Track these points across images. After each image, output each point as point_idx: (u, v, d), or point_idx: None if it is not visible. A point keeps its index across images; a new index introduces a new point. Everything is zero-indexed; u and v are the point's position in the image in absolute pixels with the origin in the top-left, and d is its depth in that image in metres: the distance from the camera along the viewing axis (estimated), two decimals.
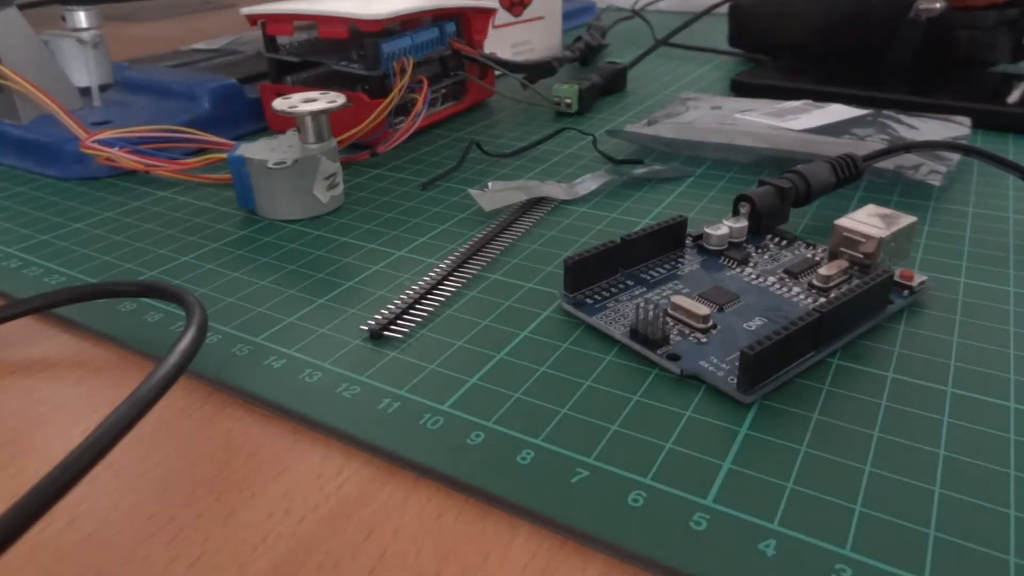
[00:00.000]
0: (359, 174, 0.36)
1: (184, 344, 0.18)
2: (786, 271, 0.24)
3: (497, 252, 0.27)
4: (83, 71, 0.42)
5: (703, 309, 0.21)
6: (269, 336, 0.23)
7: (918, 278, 0.23)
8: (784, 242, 0.26)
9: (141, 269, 0.27)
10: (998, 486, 0.16)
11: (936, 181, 0.31)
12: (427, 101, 0.38)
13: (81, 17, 0.41)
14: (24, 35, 0.38)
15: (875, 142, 0.33)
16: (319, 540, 0.16)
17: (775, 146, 0.34)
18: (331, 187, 0.31)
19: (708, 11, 0.61)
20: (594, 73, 0.47)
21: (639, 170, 0.34)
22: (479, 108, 0.46)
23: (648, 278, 0.24)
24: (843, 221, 0.24)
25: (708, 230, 0.26)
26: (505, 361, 0.21)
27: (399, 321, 0.23)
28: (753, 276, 0.24)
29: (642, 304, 0.21)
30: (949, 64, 0.46)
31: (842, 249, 0.24)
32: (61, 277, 0.27)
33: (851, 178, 0.29)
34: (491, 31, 0.46)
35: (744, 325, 0.22)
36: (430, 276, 0.25)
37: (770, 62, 0.52)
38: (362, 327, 0.23)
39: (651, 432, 0.18)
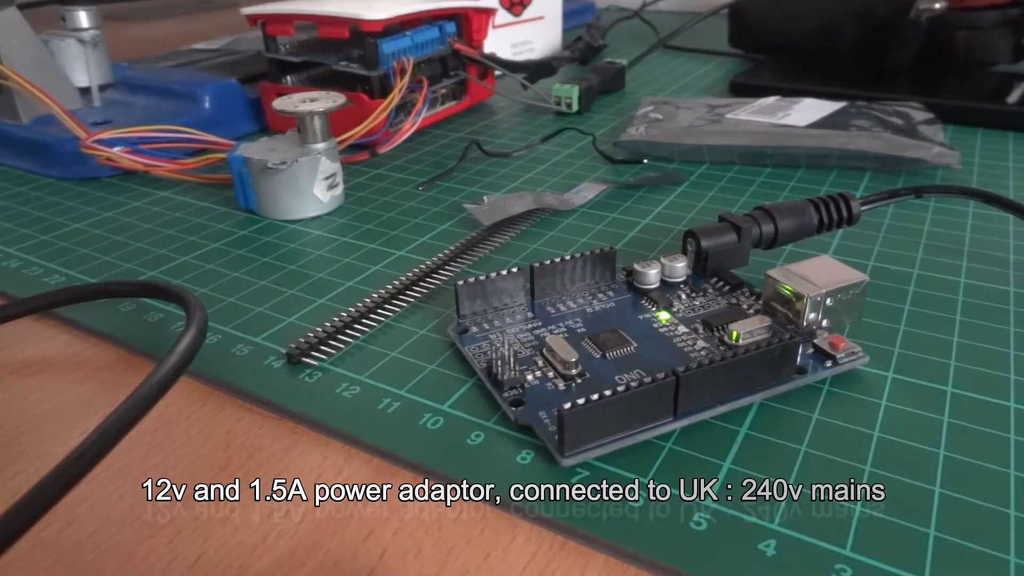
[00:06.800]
0: (359, 174, 0.36)
1: (184, 344, 0.18)
2: (703, 321, 0.21)
3: (495, 253, 0.27)
4: (83, 71, 0.42)
5: (571, 354, 0.19)
6: (269, 336, 0.23)
7: (850, 347, 0.20)
8: (727, 287, 0.23)
9: (141, 269, 0.27)
10: (998, 486, 0.16)
11: (956, 164, 0.32)
12: (427, 101, 0.38)
13: (81, 17, 0.41)
14: (24, 35, 0.38)
15: (880, 132, 0.34)
16: (319, 540, 0.16)
17: (787, 144, 0.34)
18: (331, 187, 0.31)
19: (713, 12, 0.61)
20: (594, 73, 0.47)
21: (632, 177, 0.34)
22: (479, 108, 0.46)
23: (553, 311, 0.22)
24: (776, 272, 0.21)
25: (638, 267, 0.23)
26: None
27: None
28: (666, 323, 0.21)
29: (498, 340, 0.19)
30: (949, 64, 0.46)
31: (773, 304, 0.21)
32: (61, 277, 0.27)
33: (841, 222, 0.25)
34: (491, 31, 0.46)
35: (617, 377, 0.19)
36: (428, 277, 0.25)
37: (769, 62, 0.52)
38: (358, 326, 0.23)
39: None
